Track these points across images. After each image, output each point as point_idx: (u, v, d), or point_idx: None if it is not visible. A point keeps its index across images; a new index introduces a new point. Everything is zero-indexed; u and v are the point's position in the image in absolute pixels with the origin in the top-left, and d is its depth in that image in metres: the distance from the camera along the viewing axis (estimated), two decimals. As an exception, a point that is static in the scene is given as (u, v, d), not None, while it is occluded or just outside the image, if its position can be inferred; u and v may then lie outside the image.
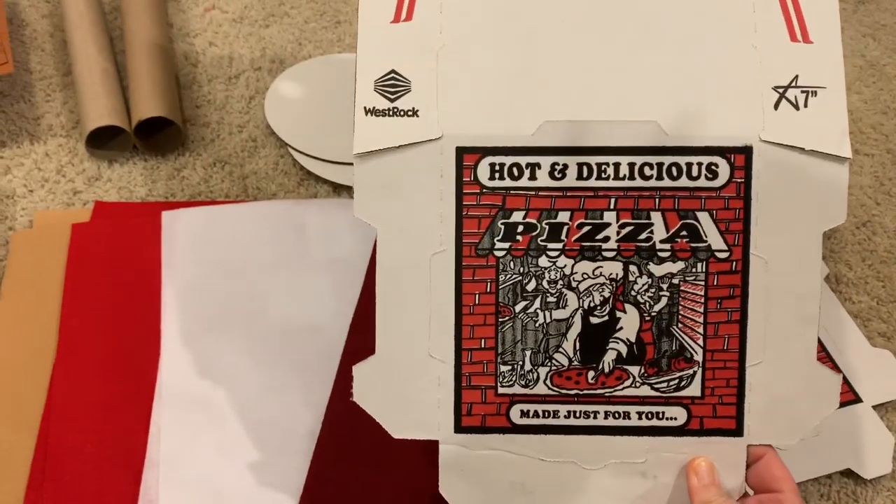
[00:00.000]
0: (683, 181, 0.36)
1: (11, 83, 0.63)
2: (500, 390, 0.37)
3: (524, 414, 0.37)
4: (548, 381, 0.36)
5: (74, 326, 0.48)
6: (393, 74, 0.36)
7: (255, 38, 0.70)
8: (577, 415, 0.37)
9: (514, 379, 0.37)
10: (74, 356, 0.47)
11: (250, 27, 0.71)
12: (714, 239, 0.36)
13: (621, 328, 0.37)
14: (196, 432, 0.45)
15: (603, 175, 0.36)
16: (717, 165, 0.36)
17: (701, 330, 0.37)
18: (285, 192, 0.59)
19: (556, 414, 0.37)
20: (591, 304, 0.36)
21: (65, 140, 0.60)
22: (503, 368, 0.37)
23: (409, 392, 0.37)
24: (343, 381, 0.48)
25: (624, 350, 0.37)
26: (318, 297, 0.52)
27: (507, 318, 0.36)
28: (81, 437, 0.44)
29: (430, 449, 0.38)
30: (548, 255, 0.36)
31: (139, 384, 0.47)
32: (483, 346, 0.36)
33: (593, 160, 0.36)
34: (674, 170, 0.36)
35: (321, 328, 0.51)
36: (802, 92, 0.36)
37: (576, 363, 0.37)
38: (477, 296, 0.36)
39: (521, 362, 0.36)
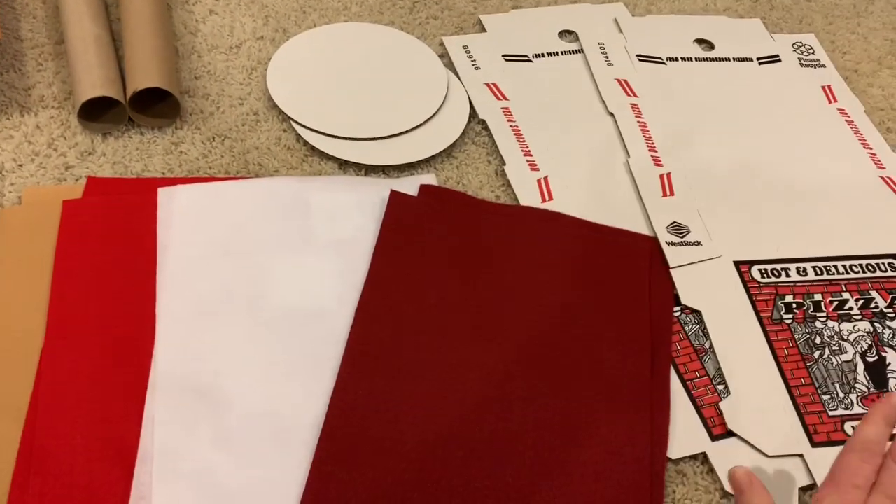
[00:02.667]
0: (877, 273, 0.54)
1: (1, 52, 0.60)
2: (830, 413, 0.48)
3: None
4: (860, 403, 0.48)
5: (64, 310, 0.46)
6: (675, 223, 0.55)
7: (258, 6, 0.67)
8: None
9: (835, 404, 0.48)
10: (64, 341, 0.44)
11: (252, -6, 0.68)
12: None
13: (890, 363, 0.50)
14: (192, 423, 0.42)
15: (829, 272, 0.54)
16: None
17: None
18: (288, 169, 0.56)
19: None
20: (863, 349, 0.51)
21: (56, 112, 0.57)
22: (825, 398, 0.48)
23: (767, 420, 0.47)
24: (348, 370, 0.46)
25: None
26: (322, 279, 0.49)
27: (811, 362, 0.50)
28: (70, 427, 0.41)
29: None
30: (819, 320, 0.51)
31: (132, 371, 0.44)
32: (803, 383, 0.49)
33: (821, 264, 0.54)
34: (868, 268, 0.55)
35: (326, 313, 0.48)
36: None
37: (872, 389, 0.49)
38: (785, 349, 0.50)
39: (835, 392, 0.49)
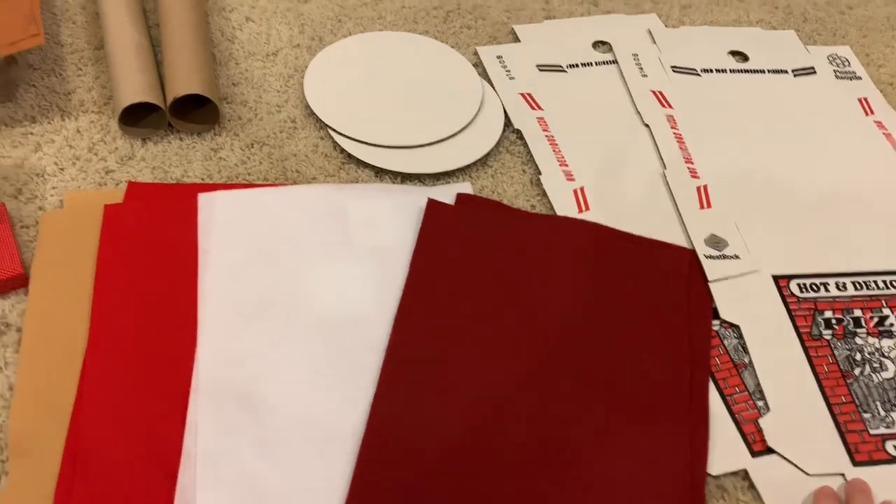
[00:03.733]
0: None
1: (42, 56, 0.61)
2: (871, 432, 0.47)
3: None
4: None
5: (106, 313, 0.46)
6: (713, 236, 0.54)
7: (294, 14, 0.67)
8: None
9: (877, 423, 0.48)
10: (106, 345, 0.45)
11: (288, 2, 0.68)
12: None
13: None
14: (235, 429, 0.42)
15: (868, 287, 0.54)
16: None
17: None
18: (325, 176, 0.57)
19: None
20: None
21: (97, 116, 0.58)
22: (865, 416, 0.48)
23: (808, 438, 0.47)
24: (388, 378, 0.46)
25: None
26: (360, 286, 0.50)
27: (851, 379, 0.49)
28: (114, 432, 0.41)
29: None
30: (859, 336, 0.51)
31: (175, 376, 0.44)
32: (843, 400, 0.48)
33: (860, 279, 0.54)
34: None
35: (364, 320, 0.48)
36: None
37: None
38: (825, 366, 0.50)
39: (876, 410, 0.48)
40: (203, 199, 0.52)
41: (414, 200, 0.54)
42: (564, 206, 0.56)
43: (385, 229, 0.53)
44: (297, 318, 0.47)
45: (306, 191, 0.54)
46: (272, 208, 0.52)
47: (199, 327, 0.46)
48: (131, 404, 0.43)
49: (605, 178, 0.58)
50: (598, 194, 0.57)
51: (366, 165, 0.57)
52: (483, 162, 0.59)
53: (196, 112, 0.58)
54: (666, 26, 0.71)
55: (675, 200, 0.57)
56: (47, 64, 0.60)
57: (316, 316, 0.48)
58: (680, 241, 0.55)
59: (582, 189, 0.57)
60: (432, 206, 0.53)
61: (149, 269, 0.48)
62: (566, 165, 0.58)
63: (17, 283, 0.47)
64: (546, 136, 0.60)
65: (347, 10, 0.68)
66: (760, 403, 0.48)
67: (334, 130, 0.58)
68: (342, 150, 0.58)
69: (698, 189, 0.58)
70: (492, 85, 0.64)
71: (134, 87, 0.55)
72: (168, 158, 0.56)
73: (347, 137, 0.58)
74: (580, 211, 0.56)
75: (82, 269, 0.48)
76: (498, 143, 0.60)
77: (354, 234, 0.52)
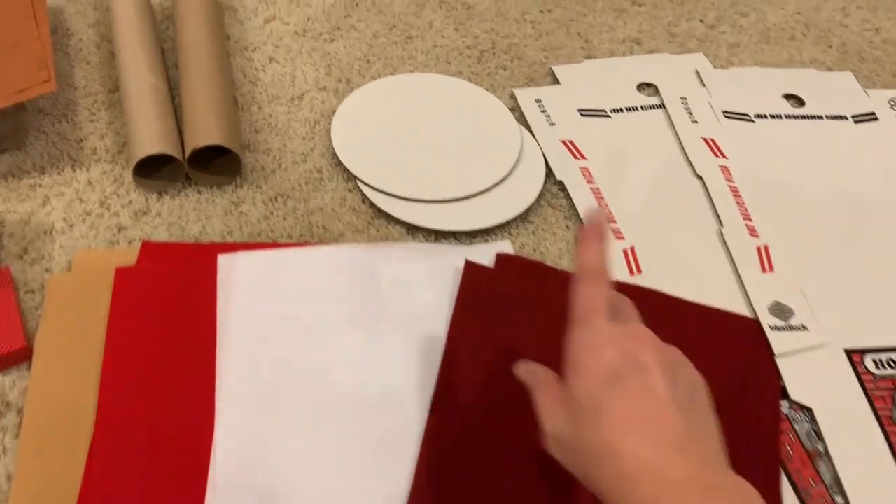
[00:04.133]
0: None
1: (53, 100, 0.57)
2: None
3: None
4: None
5: (116, 392, 0.42)
6: (777, 304, 0.50)
7: (320, 54, 0.63)
8: None
9: None
10: (115, 431, 0.40)
11: (314, 41, 0.64)
12: None
13: None
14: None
15: None
16: None
17: None
18: (353, 232, 0.52)
19: None
20: None
21: (110, 166, 0.54)
22: None
23: None
24: (426, 467, 0.41)
25: None
26: (393, 359, 0.45)
27: None
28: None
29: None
30: None
31: (190, 466, 0.40)
32: None
33: None
34: None
35: (397, 397, 0.44)
36: None
37: None
38: None
39: None
40: (223, 261, 0.47)
41: (450, 262, 0.50)
42: (614, 269, 0.51)
43: (419, 295, 0.48)
44: (324, 397, 0.43)
45: (334, 252, 0.49)
46: (297, 272, 0.48)
47: (217, 409, 0.42)
48: (142, 496, 0.38)
49: (656, 237, 0.53)
50: (650, 255, 0.52)
51: (397, 221, 0.53)
52: (524, 217, 0.54)
53: (216, 162, 0.54)
54: (714, 66, 0.67)
55: (733, 262, 0.52)
56: (59, 108, 0.57)
57: (345, 394, 0.43)
58: (740, 308, 0.50)
59: (632, 249, 0.52)
60: (470, 268, 0.49)
61: (163, 340, 0.44)
62: (614, 222, 0.54)
63: (20, 357, 0.43)
64: (591, 188, 0.56)
65: (376, 50, 0.64)
66: (839, 500, 0.43)
67: (363, 182, 0.54)
68: (371, 205, 0.54)
69: (759, 249, 0.53)
70: (531, 131, 0.60)
71: (150, 137, 0.52)
72: (185, 213, 0.52)
73: (377, 190, 0.54)
74: (631, 274, 0.51)
75: (90, 340, 0.44)
76: (539, 197, 0.55)
77: (386, 301, 0.48)
